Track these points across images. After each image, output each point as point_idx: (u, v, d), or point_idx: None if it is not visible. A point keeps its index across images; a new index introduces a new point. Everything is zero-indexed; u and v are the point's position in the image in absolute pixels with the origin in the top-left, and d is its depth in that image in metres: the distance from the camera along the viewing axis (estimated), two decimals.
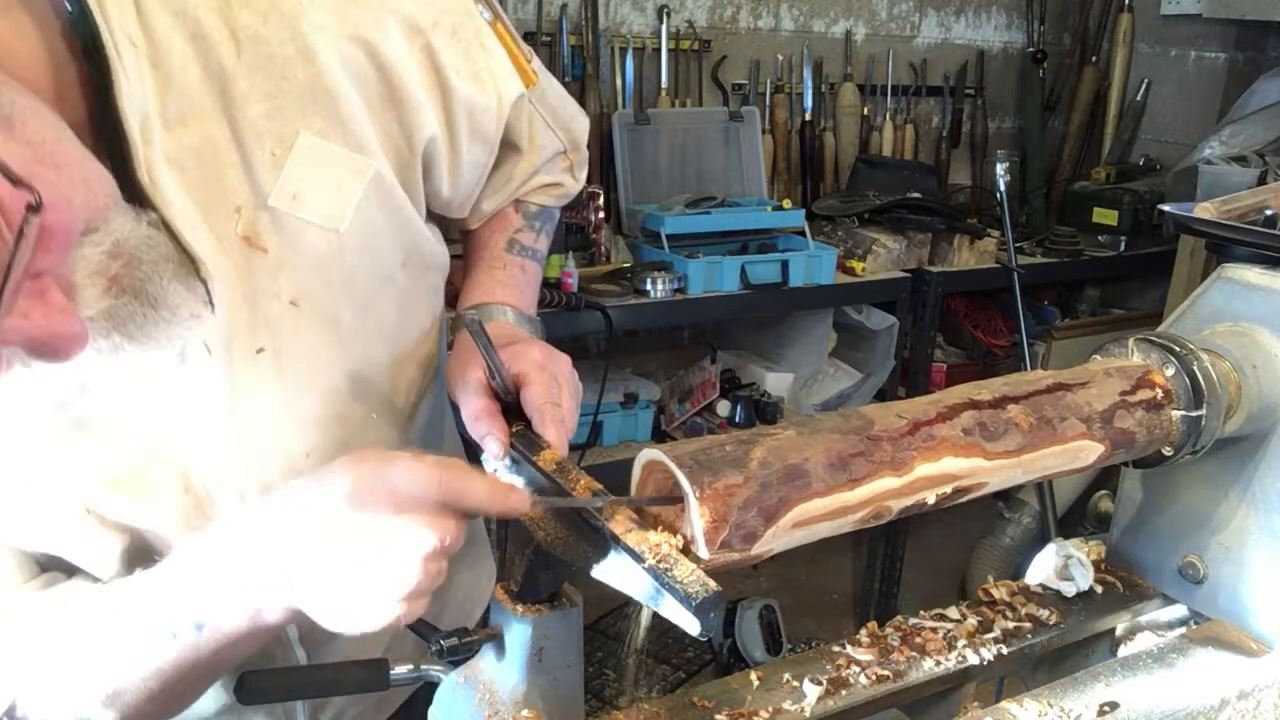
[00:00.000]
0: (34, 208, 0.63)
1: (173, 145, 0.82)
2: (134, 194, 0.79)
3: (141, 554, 0.89)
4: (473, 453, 0.91)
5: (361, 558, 0.72)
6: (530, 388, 0.90)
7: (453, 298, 1.12)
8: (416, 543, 0.71)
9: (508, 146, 1.08)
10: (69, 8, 0.75)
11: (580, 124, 1.17)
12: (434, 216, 1.06)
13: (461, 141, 0.99)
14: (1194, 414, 0.95)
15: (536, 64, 1.08)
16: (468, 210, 1.10)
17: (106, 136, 0.79)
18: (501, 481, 0.78)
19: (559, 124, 1.13)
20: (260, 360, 0.89)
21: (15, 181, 0.63)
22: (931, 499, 0.83)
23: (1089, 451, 0.90)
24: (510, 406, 0.91)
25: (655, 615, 0.74)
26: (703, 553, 0.72)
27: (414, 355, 1.03)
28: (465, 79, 0.97)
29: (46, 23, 0.75)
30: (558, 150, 1.14)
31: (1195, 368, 0.95)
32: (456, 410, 0.95)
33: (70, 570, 0.89)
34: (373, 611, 0.73)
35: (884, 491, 0.80)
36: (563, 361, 0.95)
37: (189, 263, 0.83)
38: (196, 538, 0.80)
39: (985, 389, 0.89)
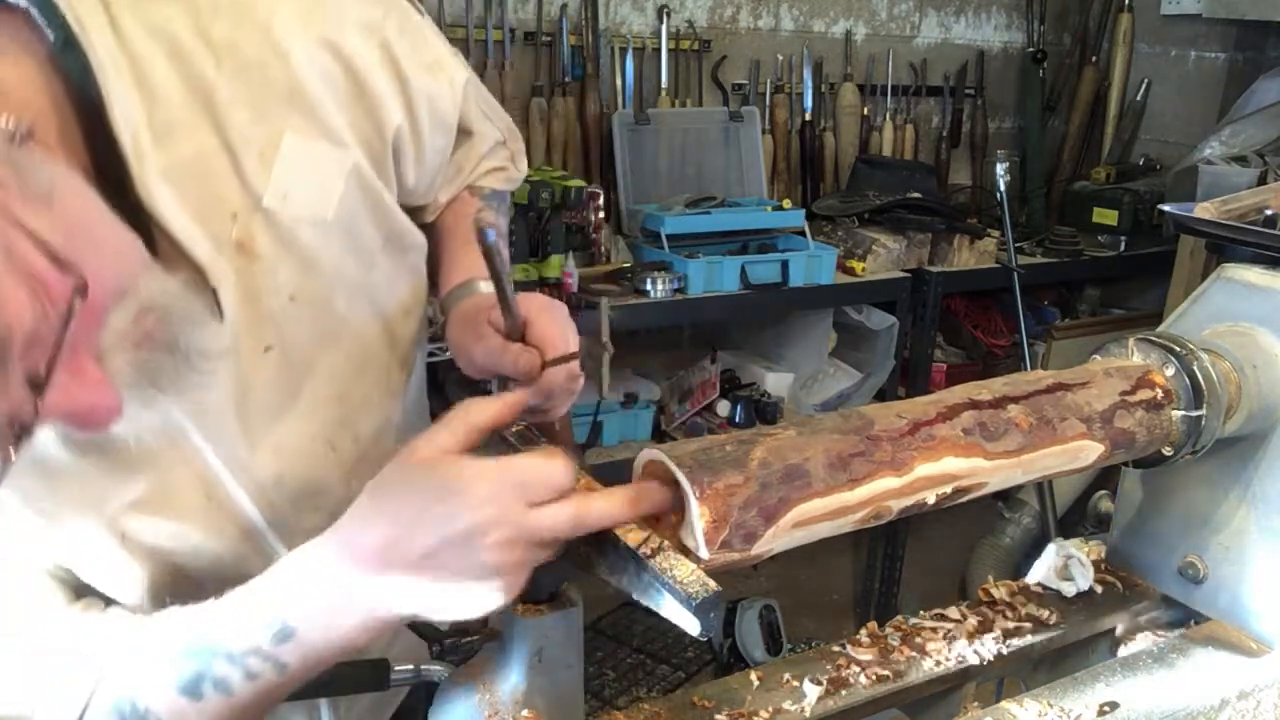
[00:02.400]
0: (81, 291, 0.65)
1: (165, 160, 0.84)
2: (133, 210, 0.81)
3: (168, 580, 0.92)
4: None
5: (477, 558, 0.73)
6: (537, 323, 0.95)
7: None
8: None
9: (461, 133, 1.12)
10: (51, 36, 0.76)
11: (506, 117, 1.22)
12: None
13: (424, 130, 1.03)
14: (1194, 414, 0.95)
15: (459, 57, 1.13)
16: (429, 198, 1.12)
17: (100, 162, 0.80)
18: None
19: (491, 111, 1.18)
20: (268, 358, 0.92)
21: (62, 265, 0.65)
22: (931, 499, 0.83)
23: (1089, 452, 0.90)
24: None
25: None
26: (703, 553, 0.72)
27: (404, 332, 1.06)
28: (420, 70, 1.01)
29: (36, 55, 0.76)
30: (497, 139, 1.18)
31: (1195, 367, 0.95)
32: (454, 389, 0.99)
33: (104, 600, 0.91)
34: (480, 602, 0.75)
35: (884, 491, 0.80)
36: (561, 306, 1.00)
37: (201, 279, 0.86)
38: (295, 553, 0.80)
39: (985, 389, 0.89)
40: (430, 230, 1.16)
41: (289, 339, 0.93)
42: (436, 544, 0.72)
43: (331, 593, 0.76)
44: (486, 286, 1.08)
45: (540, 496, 0.74)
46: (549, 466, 0.75)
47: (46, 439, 0.84)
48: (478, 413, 0.80)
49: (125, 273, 0.74)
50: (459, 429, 0.78)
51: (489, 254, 0.87)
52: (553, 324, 0.96)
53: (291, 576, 0.78)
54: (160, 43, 0.84)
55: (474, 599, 0.74)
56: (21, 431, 0.67)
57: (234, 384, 0.91)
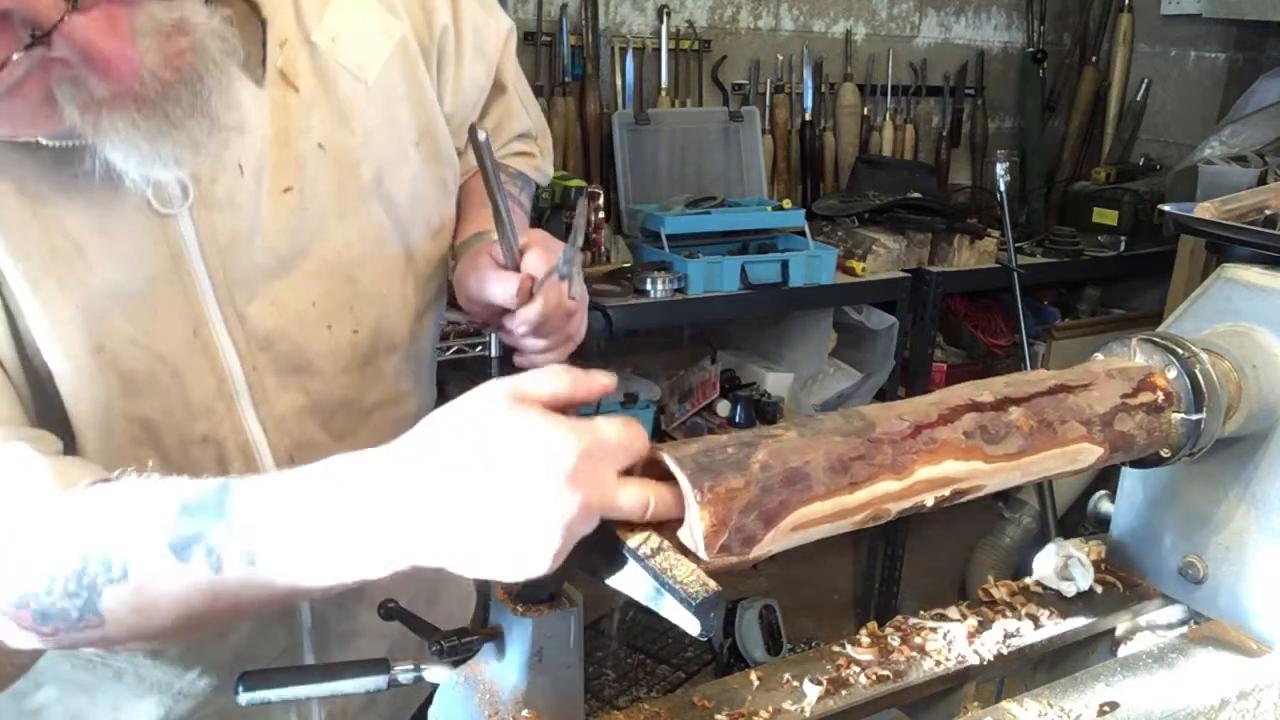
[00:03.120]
0: None
1: None
2: None
3: (130, 426, 0.88)
4: None
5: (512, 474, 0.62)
6: (530, 251, 0.98)
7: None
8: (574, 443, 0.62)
9: (496, 86, 1.14)
10: None
11: (540, 115, 1.24)
12: None
13: (466, 52, 1.05)
14: (1194, 418, 0.94)
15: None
16: (463, 140, 1.11)
17: None
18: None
19: (528, 102, 1.20)
20: (286, 199, 0.93)
21: None
22: (930, 501, 0.83)
23: (1088, 454, 0.90)
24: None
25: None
26: (701, 556, 0.72)
27: (423, 248, 1.05)
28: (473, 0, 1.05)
29: None
30: (527, 128, 1.20)
31: (1197, 370, 0.95)
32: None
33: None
34: (533, 545, 0.62)
35: (884, 494, 0.80)
36: (558, 241, 1.02)
37: (248, 47, 0.87)
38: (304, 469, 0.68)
39: (987, 389, 0.88)
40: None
41: (309, 187, 0.94)
42: (513, 471, 0.61)
43: (367, 497, 0.65)
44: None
45: (624, 465, 0.66)
46: (639, 437, 0.67)
47: (46, 182, 0.81)
48: (559, 382, 0.67)
49: None
50: (546, 385, 0.66)
51: (479, 153, 0.90)
52: (544, 254, 0.98)
53: (328, 471, 0.67)
54: None
55: (518, 551, 0.62)
56: (35, 39, 0.68)
57: (249, 210, 0.90)
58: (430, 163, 1.04)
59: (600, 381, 0.69)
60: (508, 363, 1.04)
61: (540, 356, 1.03)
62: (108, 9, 0.71)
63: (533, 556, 0.63)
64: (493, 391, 0.65)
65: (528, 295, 0.97)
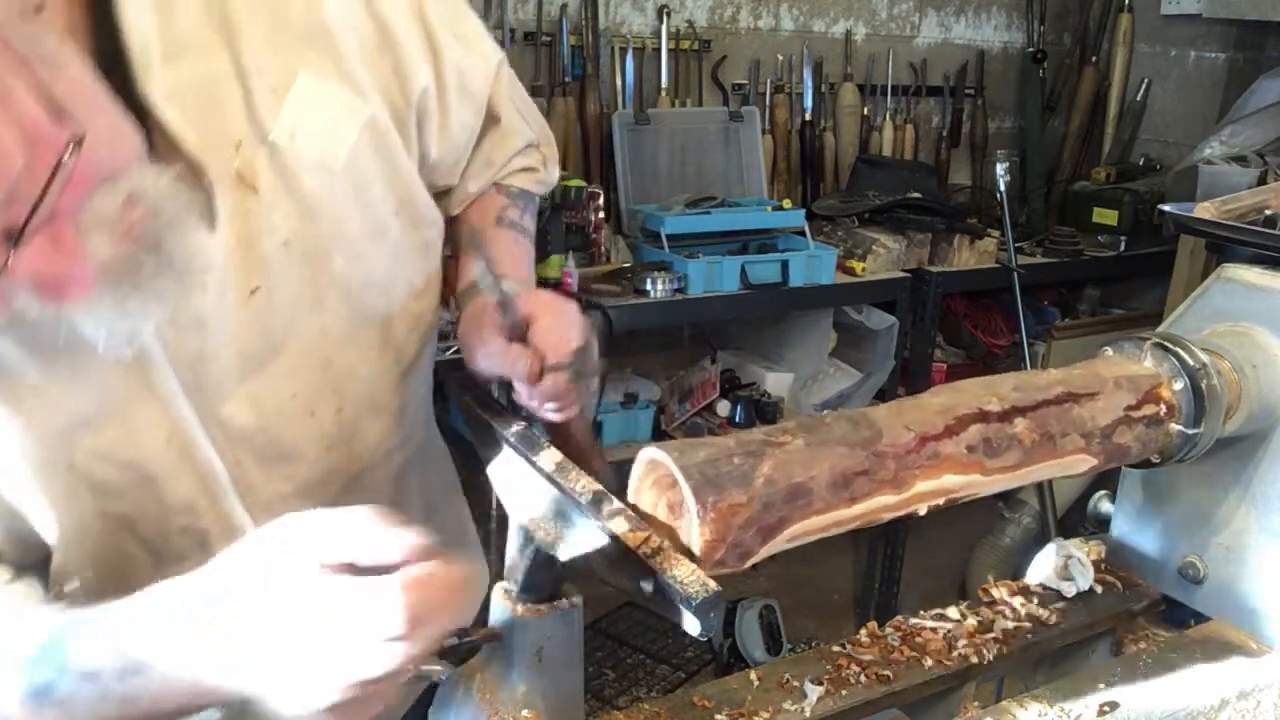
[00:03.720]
0: (76, 143, 0.64)
1: (173, 80, 0.82)
2: (135, 111, 0.79)
3: (103, 529, 0.88)
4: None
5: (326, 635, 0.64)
6: (540, 324, 0.93)
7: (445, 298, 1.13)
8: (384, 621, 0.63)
9: (489, 119, 1.10)
10: None
11: (542, 121, 1.20)
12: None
13: (451, 100, 1.01)
14: (1191, 431, 0.94)
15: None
16: (455, 177, 1.10)
17: (107, 71, 0.77)
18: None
19: (527, 112, 1.16)
20: (254, 300, 0.90)
21: (59, 116, 0.64)
22: (923, 510, 0.84)
23: (1081, 464, 0.91)
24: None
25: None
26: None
27: (406, 311, 1.03)
28: (452, 39, 1.00)
29: None
30: (529, 140, 1.16)
31: (1204, 384, 0.94)
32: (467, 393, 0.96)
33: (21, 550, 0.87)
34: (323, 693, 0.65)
35: (880, 507, 0.80)
36: (570, 305, 0.97)
37: (201, 193, 0.83)
38: (146, 594, 0.73)
39: (995, 396, 0.87)
40: (454, 225, 1.14)
41: (278, 285, 0.90)
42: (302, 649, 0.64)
43: (187, 633, 0.68)
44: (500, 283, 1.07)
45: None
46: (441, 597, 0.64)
47: (8, 341, 0.81)
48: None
49: (119, 153, 0.72)
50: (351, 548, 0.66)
51: (484, 273, 0.87)
52: (554, 328, 0.93)
53: (151, 604, 0.71)
54: None
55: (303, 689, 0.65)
56: None
57: (215, 321, 0.88)
58: (411, 229, 1.01)
59: (404, 545, 0.66)
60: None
61: (547, 414, 0.98)
62: (49, 230, 0.68)
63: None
64: (302, 554, 0.66)
65: (537, 377, 0.92)
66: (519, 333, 0.93)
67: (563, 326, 0.94)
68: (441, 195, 1.11)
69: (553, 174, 1.22)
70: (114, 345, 0.80)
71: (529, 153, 1.17)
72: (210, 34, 0.84)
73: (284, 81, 0.87)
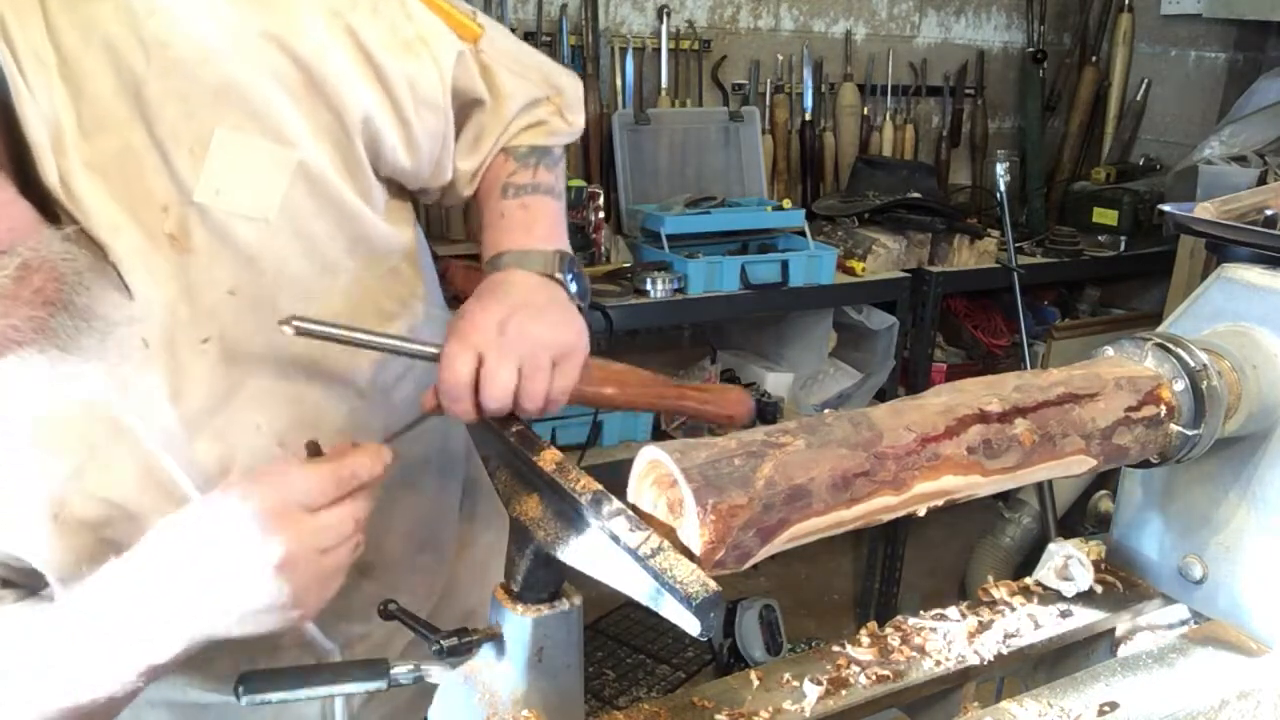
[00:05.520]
0: None
1: (92, 153, 0.85)
2: (46, 204, 0.83)
3: (98, 553, 0.89)
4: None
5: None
6: (443, 356, 0.94)
7: (453, 297, 1.12)
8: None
9: (470, 104, 1.08)
10: None
11: (553, 68, 1.16)
12: (408, 194, 1.09)
13: (409, 113, 1.00)
14: (1190, 432, 0.94)
15: (483, 18, 1.09)
16: (445, 176, 1.10)
17: (13, 153, 0.82)
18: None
19: (525, 69, 1.12)
20: (206, 349, 0.93)
21: None
22: (922, 511, 0.84)
23: (1080, 465, 0.91)
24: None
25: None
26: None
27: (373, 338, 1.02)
28: (395, 52, 0.98)
29: None
30: (533, 96, 1.12)
31: (1204, 386, 0.94)
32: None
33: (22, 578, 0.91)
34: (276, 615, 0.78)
35: (880, 508, 0.80)
36: (490, 320, 0.95)
37: (106, 261, 0.86)
38: (95, 574, 0.81)
39: (996, 396, 0.87)
40: (472, 202, 1.14)
41: (229, 332, 0.93)
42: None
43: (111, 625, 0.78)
44: (493, 266, 1.05)
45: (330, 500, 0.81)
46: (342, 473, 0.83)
47: None
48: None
49: (11, 226, 0.77)
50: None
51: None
52: (449, 364, 0.93)
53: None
54: (93, 40, 0.85)
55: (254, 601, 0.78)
56: None
57: (168, 372, 0.91)
58: (371, 262, 1.02)
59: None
60: None
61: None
62: None
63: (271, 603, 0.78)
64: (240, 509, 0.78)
65: (433, 407, 0.95)
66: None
67: (456, 364, 0.93)
68: (445, 186, 1.11)
69: (572, 119, 1.17)
70: (75, 412, 0.87)
71: (532, 110, 1.13)
72: (125, 109, 0.87)
73: (200, 142, 0.89)
